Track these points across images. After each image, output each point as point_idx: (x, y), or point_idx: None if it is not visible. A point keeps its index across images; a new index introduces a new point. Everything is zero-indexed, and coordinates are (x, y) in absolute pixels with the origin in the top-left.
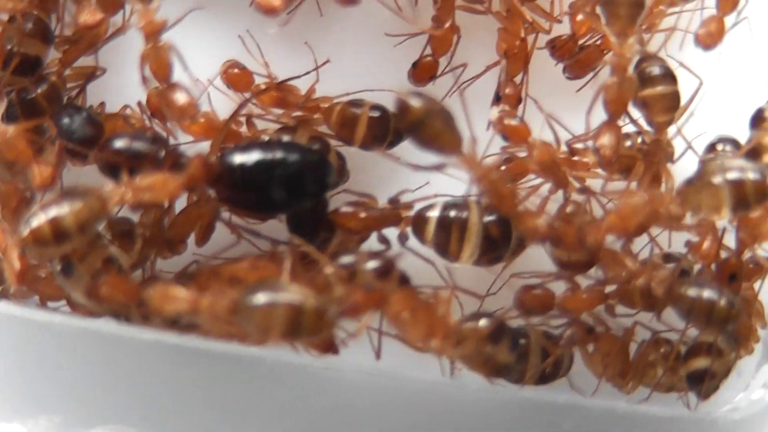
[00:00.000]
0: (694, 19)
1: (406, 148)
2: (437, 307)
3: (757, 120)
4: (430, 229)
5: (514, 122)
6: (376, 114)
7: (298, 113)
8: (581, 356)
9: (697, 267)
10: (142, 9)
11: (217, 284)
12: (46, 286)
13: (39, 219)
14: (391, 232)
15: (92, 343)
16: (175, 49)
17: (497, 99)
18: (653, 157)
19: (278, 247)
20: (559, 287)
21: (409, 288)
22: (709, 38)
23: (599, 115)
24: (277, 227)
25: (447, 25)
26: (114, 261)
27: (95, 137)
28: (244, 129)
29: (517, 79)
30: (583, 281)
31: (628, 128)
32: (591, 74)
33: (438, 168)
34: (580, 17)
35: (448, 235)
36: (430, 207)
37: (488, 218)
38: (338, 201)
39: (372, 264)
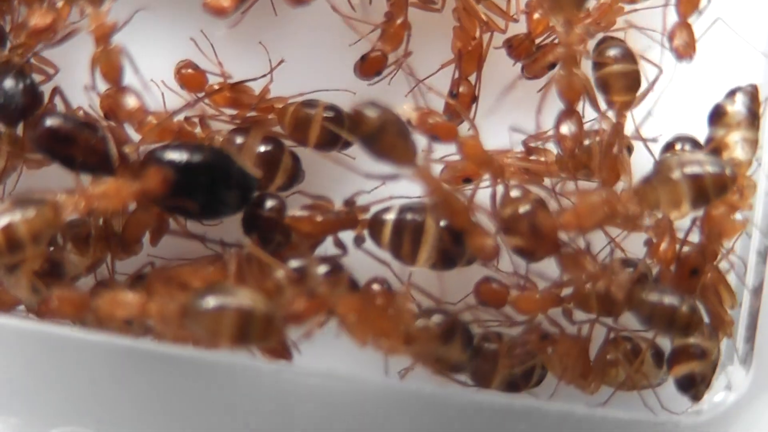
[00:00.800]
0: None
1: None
2: (390, 308)
3: (715, 116)
4: (387, 232)
5: (439, 119)
6: (330, 114)
7: (252, 114)
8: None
9: (655, 269)
10: (92, 12)
11: (168, 287)
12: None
13: None
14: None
15: (48, 345)
16: (126, 52)
17: (453, 96)
18: (612, 141)
19: (229, 250)
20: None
21: (357, 292)
22: (689, 48)
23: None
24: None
25: (399, 21)
26: (59, 267)
27: (29, 108)
28: (198, 130)
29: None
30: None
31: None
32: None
33: (391, 178)
34: (536, 16)
35: (403, 239)
36: (386, 210)
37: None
38: (293, 202)
39: (322, 268)
